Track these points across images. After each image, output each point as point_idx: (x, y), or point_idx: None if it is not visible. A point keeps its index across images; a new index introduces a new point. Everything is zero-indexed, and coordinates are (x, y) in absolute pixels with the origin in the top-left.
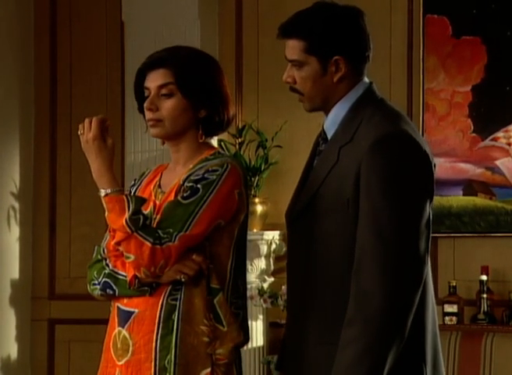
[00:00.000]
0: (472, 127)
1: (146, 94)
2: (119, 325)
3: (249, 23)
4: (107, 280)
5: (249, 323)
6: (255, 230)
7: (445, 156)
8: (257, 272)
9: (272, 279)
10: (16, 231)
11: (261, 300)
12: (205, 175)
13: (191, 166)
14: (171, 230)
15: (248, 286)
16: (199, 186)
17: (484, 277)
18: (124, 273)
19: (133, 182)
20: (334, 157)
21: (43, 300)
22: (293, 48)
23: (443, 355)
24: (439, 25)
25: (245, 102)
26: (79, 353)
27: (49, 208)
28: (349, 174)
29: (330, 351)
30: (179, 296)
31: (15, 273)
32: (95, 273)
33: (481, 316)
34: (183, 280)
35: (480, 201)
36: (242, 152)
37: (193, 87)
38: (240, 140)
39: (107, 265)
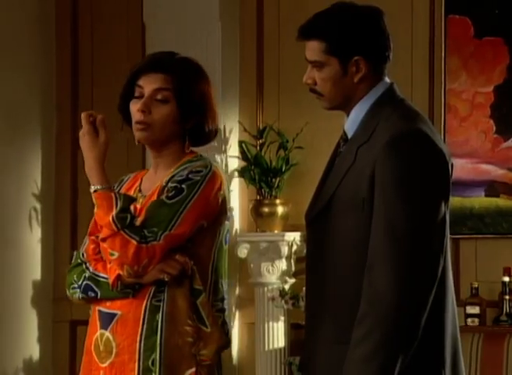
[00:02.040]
0: (494, 128)
1: (137, 93)
2: (102, 327)
3: (270, 25)
4: (88, 282)
5: (270, 324)
6: (276, 232)
7: (467, 157)
8: (279, 273)
9: (294, 280)
10: (37, 232)
11: (283, 301)
12: (189, 175)
13: (173, 169)
14: (155, 230)
15: (269, 287)
16: (183, 186)
17: (506, 279)
18: (105, 276)
19: (115, 185)
20: (352, 157)
21: (64, 301)
22: (313, 49)
23: (465, 357)
24: (460, 25)
25: (266, 104)
26: None
27: (70, 210)
28: (364, 174)
29: (346, 350)
30: (162, 297)
31: (36, 275)
32: (75, 276)
33: (503, 318)
34: (166, 279)
35: (502, 202)
36: (263, 153)
37: (188, 98)
38: (261, 141)
39: (87, 268)
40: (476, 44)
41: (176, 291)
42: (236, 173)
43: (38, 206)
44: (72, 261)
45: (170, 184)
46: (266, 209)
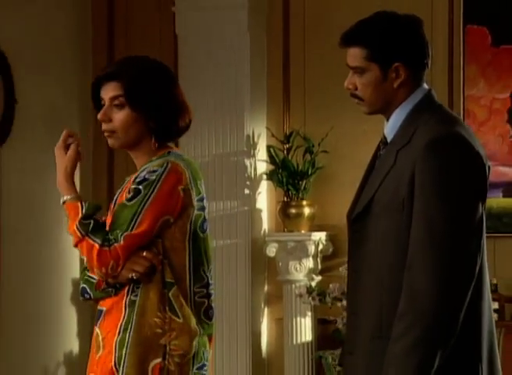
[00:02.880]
0: (511, 132)
1: (102, 103)
2: (95, 324)
3: (296, 35)
4: (84, 285)
5: (298, 319)
6: (303, 232)
7: None
8: (306, 271)
9: (320, 277)
10: None
11: (310, 298)
12: (146, 176)
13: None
14: (118, 231)
15: (297, 284)
16: (140, 187)
17: None
18: (96, 277)
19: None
20: (392, 160)
21: None
22: (354, 55)
23: None
24: (478, 35)
25: (292, 110)
26: None
27: (106, 210)
28: (404, 175)
29: (385, 345)
30: (139, 292)
31: (75, 273)
32: (81, 279)
33: None
34: (134, 277)
35: None
36: (290, 157)
37: (141, 100)
38: (287, 146)
39: (87, 270)
40: (493, 52)
41: (148, 285)
42: (264, 176)
43: None
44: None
45: (131, 186)
46: (293, 210)
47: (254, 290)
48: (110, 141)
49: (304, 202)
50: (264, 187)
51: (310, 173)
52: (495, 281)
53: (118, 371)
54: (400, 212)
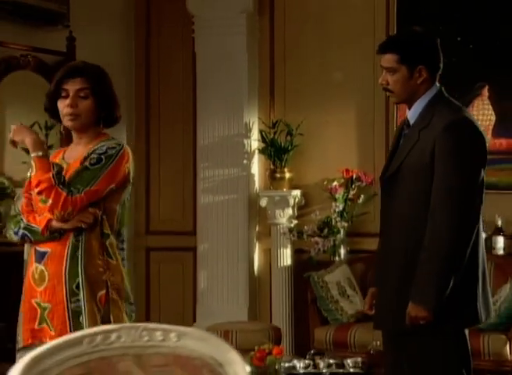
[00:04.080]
0: None
1: (63, 94)
2: (36, 262)
3: (278, 53)
4: (24, 231)
5: (281, 250)
6: (284, 190)
7: None
8: (287, 216)
9: (296, 221)
10: None
11: (291, 235)
12: (107, 150)
13: (92, 145)
14: (79, 186)
15: (281, 226)
16: (102, 157)
17: None
18: (36, 225)
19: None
20: (416, 136)
21: (141, 235)
22: (388, 59)
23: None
24: None
25: (276, 105)
26: (165, 270)
27: (145, 176)
28: (427, 148)
29: (407, 293)
30: (80, 238)
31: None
32: (12, 225)
33: None
34: (83, 226)
35: None
36: (276, 138)
37: (101, 94)
38: (274, 130)
39: (21, 219)
40: None
41: (90, 234)
42: (257, 151)
43: None
44: (11, 212)
45: (92, 155)
46: (278, 175)
47: (250, 229)
48: (72, 123)
49: (285, 169)
50: (257, 158)
51: (289, 149)
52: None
53: (69, 301)
54: (422, 174)
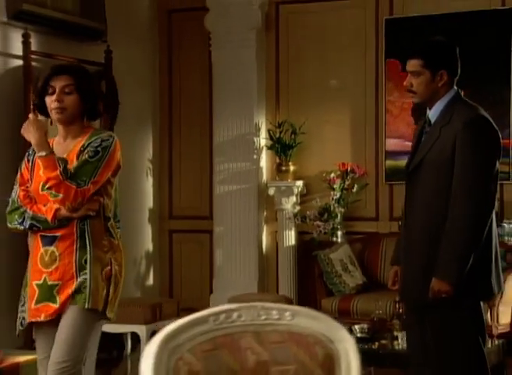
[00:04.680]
0: (413, 121)
1: (50, 91)
2: (45, 245)
3: (283, 63)
4: (32, 221)
5: (286, 232)
6: (289, 180)
7: (400, 138)
8: (291, 203)
9: (299, 207)
10: (150, 181)
11: (295, 219)
12: (102, 142)
13: (80, 138)
14: (84, 178)
15: (286, 211)
16: (99, 149)
17: None
18: (42, 215)
19: (30, 151)
20: (437, 133)
21: (165, 219)
22: (414, 64)
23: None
24: (394, 64)
25: (281, 108)
26: (186, 250)
27: (168, 170)
28: (448, 143)
29: (430, 270)
30: (85, 222)
31: (150, 204)
32: (16, 216)
33: None
34: (92, 214)
35: None
36: (282, 136)
37: (85, 90)
38: (280, 129)
39: (25, 211)
40: (402, 75)
41: (95, 218)
42: (265, 148)
43: (150, 166)
44: (10, 205)
45: (89, 148)
46: (283, 168)
47: (259, 214)
48: (59, 116)
49: (290, 163)
50: (265, 154)
51: (293, 145)
52: None
53: (78, 275)
54: (445, 165)
